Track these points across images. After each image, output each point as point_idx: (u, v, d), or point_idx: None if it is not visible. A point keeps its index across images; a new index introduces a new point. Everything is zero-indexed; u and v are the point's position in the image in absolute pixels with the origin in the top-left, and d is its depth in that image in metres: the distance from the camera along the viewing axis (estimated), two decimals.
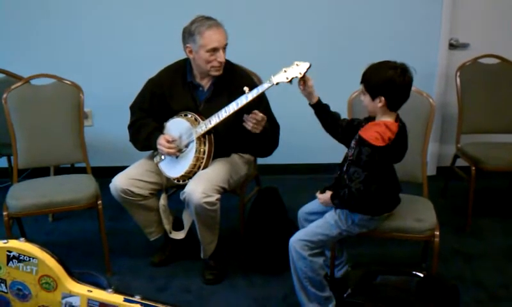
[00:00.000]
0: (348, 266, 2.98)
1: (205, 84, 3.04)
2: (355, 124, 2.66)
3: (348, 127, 2.67)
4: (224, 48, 2.92)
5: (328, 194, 2.61)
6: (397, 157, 2.57)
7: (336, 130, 2.69)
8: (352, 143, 2.59)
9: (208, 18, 2.91)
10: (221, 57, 2.90)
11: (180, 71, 3.07)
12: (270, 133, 2.95)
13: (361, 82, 2.49)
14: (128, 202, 3.01)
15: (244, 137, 2.91)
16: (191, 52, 2.94)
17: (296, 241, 2.58)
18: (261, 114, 2.77)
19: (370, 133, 2.42)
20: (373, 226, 2.65)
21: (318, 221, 2.63)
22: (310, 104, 2.68)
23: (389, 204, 2.65)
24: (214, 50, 2.87)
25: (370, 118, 2.58)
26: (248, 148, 3.13)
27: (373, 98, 2.44)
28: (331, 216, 2.61)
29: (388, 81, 2.40)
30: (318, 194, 2.67)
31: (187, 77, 3.05)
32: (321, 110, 2.68)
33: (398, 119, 2.52)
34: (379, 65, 2.45)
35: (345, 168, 2.54)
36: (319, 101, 2.67)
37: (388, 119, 2.48)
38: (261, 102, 2.89)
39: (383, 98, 2.41)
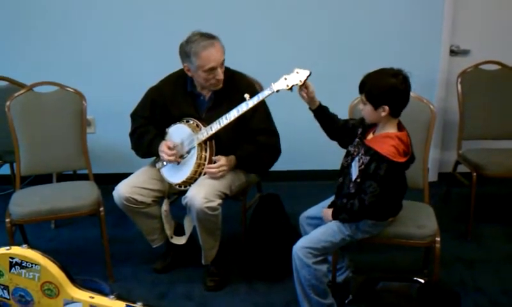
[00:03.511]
0: (349, 271, 2.98)
1: (206, 93, 3.05)
2: (350, 126, 2.68)
3: (343, 128, 2.69)
4: (222, 64, 2.92)
5: (330, 211, 2.62)
6: (408, 167, 2.58)
7: (333, 131, 2.72)
8: (351, 149, 2.60)
9: (203, 37, 2.88)
10: (219, 74, 2.91)
11: (180, 80, 3.09)
12: (253, 157, 3.04)
13: (361, 92, 2.47)
14: (132, 210, 3.02)
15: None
16: (188, 70, 2.96)
17: (300, 249, 2.58)
18: (214, 168, 2.90)
19: (387, 148, 2.41)
20: (376, 232, 2.65)
21: (321, 228, 2.64)
22: (310, 109, 2.70)
23: (394, 209, 2.66)
24: (212, 69, 2.88)
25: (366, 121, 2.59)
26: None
27: (376, 107, 2.43)
28: (334, 222, 2.61)
29: (391, 89, 2.40)
30: (323, 210, 2.69)
31: (187, 87, 3.06)
32: (321, 113, 2.69)
33: (402, 126, 2.53)
34: (378, 74, 2.45)
35: (355, 178, 2.53)
36: (320, 105, 2.68)
37: (393, 127, 2.49)
38: (257, 110, 2.90)
39: (386, 107, 2.41)
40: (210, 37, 2.89)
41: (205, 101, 3.06)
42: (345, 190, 2.58)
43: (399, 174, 2.51)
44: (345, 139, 2.67)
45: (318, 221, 2.72)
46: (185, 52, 2.91)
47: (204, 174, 2.94)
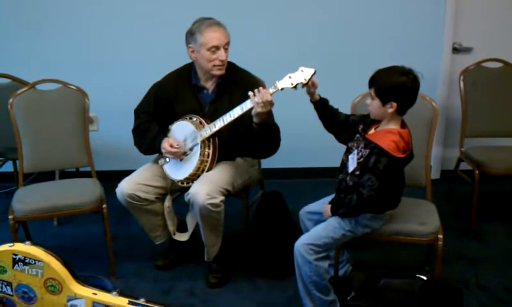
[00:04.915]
0: (350, 264, 2.99)
1: (210, 86, 3.06)
2: (351, 122, 2.69)
3: (344, 124, 2.70)
4: (225, 47, 2.93)
5: (329, 207, 2.63)
6: (406, 165, 2.59)
7: (332, 124, 2.72)
8: (350, 144, 2.61)
9: (209, 18, 2.93)
10: (222, 55, 2.91)
11: (184, 75, 3.09)
12: (270, 131, 2.92)
13: (371, 87, 2.49)
14: (135, 207, 3.03)
15: (245, 135, 2.90)
16: (193, 52, 2.96)
17: (301, 245, 2.59)
18: (270, 97, 2.68)
19: (388, 143, 2.43)
20: (377, 226, 2.65)
21: (322, 224, 2.64)
22: (311, 101, 2.71)
23: (393, 202, 2.66)
24: (215, 48, 2.88)
25: (368, 117, 2.60)
26: (248, 147, 3.03)
27: (384, 103, 2.45)
28: (334, 218, 2.62)
29: (400, 87, 2.42)
30: (323, 206, 2.70)
31: (191, 80, 3.07)
32: (321, 106, 2.70)
33: (404, 124, 2.54)
34: (389, 70, 2.47)
35: (352, 170, 2.54)
36: (320, 99, 2.70)
37: (396, 124, 2.51)
38: None
39: (394, 104, 2.43)
40: (215, 20, 2.93)
41: (209, 94, 3.06)
42: (343, 186, 2.59)
43: (397, 170, 2.52)
44: (345, 135, 2.68)
45: (318, 216, 2.73)
46: (190, 31, 2.94)
47: (207, 171, 2.94)
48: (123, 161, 3.98)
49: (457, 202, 4.01)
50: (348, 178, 2.54)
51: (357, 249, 3.11)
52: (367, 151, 2.48)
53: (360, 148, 2.53)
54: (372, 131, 2.57)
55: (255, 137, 2.86)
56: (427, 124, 2.95)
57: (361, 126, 2.62)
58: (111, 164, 4.24)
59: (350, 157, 2.57)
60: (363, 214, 2.58)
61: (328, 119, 2.72)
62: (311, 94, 2.67)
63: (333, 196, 2.72)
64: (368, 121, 2.61)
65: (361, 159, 2.49)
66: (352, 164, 2.54)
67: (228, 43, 2.94)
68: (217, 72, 2.96)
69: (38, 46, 4.20)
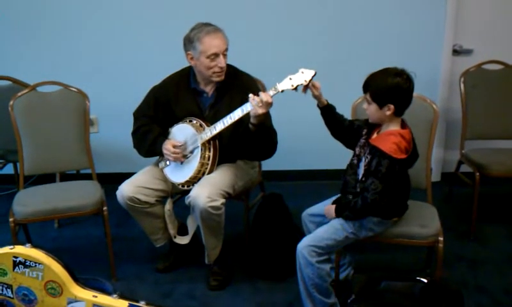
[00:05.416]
0: (351, 268, 2.99)
1: (209, 90, 3.05)
2: (355, 127, 2.70)
3: (349, 129, 2.71)
4: (224, 53, 2.93)
5: (332, 207, 2.63)
6: (411, 165, 2.59)
7: (338, 131, 2.73)
8: (357, 150, 2.61)
9: (207, 24, 2.92)
10: (221, 62, 2.91)
11: (184, 79, 3.09)
12: (267, 133, 2.91)
13: (366, 92, 2.49)
14: (135, 209, 3.03)
15: (242, 136, 2.89)
16: (192, 59, 2.96)
17: (304, 247, 2.59)
18: (270, 98, 2.67)
19: (389, 145, 2.43)
20: (380, 230, 2.65)
21: (324, 226, 2.64)
22: (318, 106, 2.71)
23: (400, 209, 2.67)
24: (214, 55, 2.88)
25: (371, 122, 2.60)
26: (244, 149, 3.00)
27: (381, 106, 2.45)
28: (337, 220, 2.62)
29: (395, 88, 2.42)
30: (326, 206, 2.70)
31: (190, 84, 3.07)
32: (328, 112, 2.71)
33: (405, 124, 2.54)
34: (382, 73, 2.47)
35: (360, 177, 2.54)
36: (327, 105, 2.70)
37: (397, 125, 2.51)
38: None
39: (392, 106, 2.43)
40: (214, 26, 2.92)
41: (208, 98, 3.06)
42: (349, 188, 2.59)
43: (401, 172, 2.52)
44: (352, 140, 2.69)
45: (321, 219, 2.73)
46: (188, 38, 2.93)
47: (208, 174, 2.94)
48: (124, 163, 3.98)
49: (458, 204, 4.01)
50: (357, 185, 2.55)
51: (357, 251, 3.10)
52: (370, 156, 2.48)
53: (366, 155, 2.53)
54: (374, 135, 2.57)
55: (251, 138, 2.86)
56: (428, 126, 2.95)
57: (365, 130, 2.62)
58: (111, 166, 4.24)
59: (361, 164, 2.57)
60: (370, 218, 2.58)
61: (334, 126, 2.72)
62: (317, 98, 2.67)
63: (335, 197, 2.72)
64: (372, 125, 2.61)
65: (367, 166, 2.49)
66: (361, 172, 2.55)
67: (226, 49, 2.94)
68: (216, 79, 2.96)
69: (39, 48, 4.20)
